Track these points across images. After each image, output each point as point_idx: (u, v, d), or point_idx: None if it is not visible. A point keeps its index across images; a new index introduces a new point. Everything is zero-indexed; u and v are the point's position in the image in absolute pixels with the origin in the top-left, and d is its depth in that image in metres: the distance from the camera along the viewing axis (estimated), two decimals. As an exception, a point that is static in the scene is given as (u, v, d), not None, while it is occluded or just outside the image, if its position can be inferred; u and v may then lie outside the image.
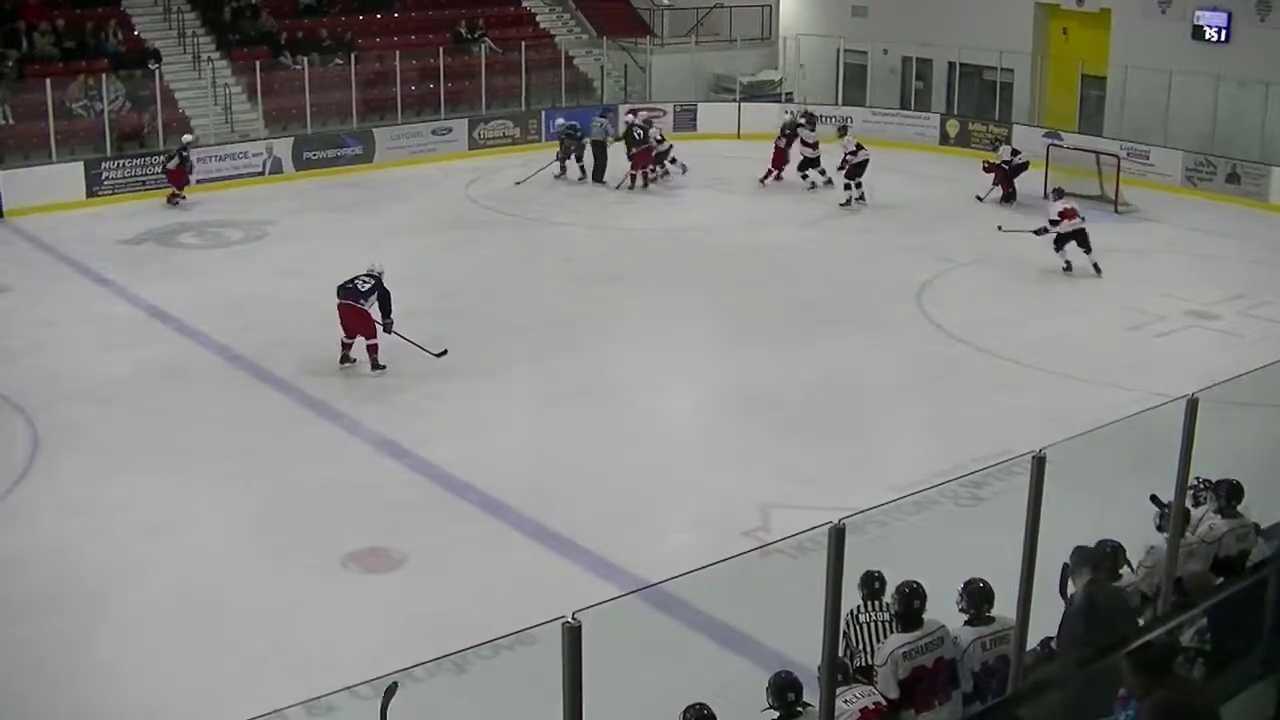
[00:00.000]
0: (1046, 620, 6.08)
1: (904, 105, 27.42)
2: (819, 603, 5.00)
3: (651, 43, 29.21)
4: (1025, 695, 5.87)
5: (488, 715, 7.82)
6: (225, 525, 10.78)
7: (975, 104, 26.42)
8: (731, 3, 29.71)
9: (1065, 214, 17.50)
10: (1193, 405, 6.03)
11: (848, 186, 21.42)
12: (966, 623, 6.45)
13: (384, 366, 13.93)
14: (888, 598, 6.73)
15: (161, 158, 21.62)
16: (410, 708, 7.13)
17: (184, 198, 21.23)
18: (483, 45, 27.11)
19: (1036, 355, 14.48)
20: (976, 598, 6.44)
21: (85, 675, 8.70)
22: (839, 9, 28.82)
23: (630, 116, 23.56)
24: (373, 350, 13.91)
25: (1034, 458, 5.57)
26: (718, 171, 23.07)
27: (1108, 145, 22.51)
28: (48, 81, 21.55)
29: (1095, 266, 17.50)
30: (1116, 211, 21.06)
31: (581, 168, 23.02)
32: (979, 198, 21.62)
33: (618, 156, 22.77)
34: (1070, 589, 6.53)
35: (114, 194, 21.41)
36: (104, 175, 21.56)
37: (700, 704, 5.95)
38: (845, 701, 6.06)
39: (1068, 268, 17.58)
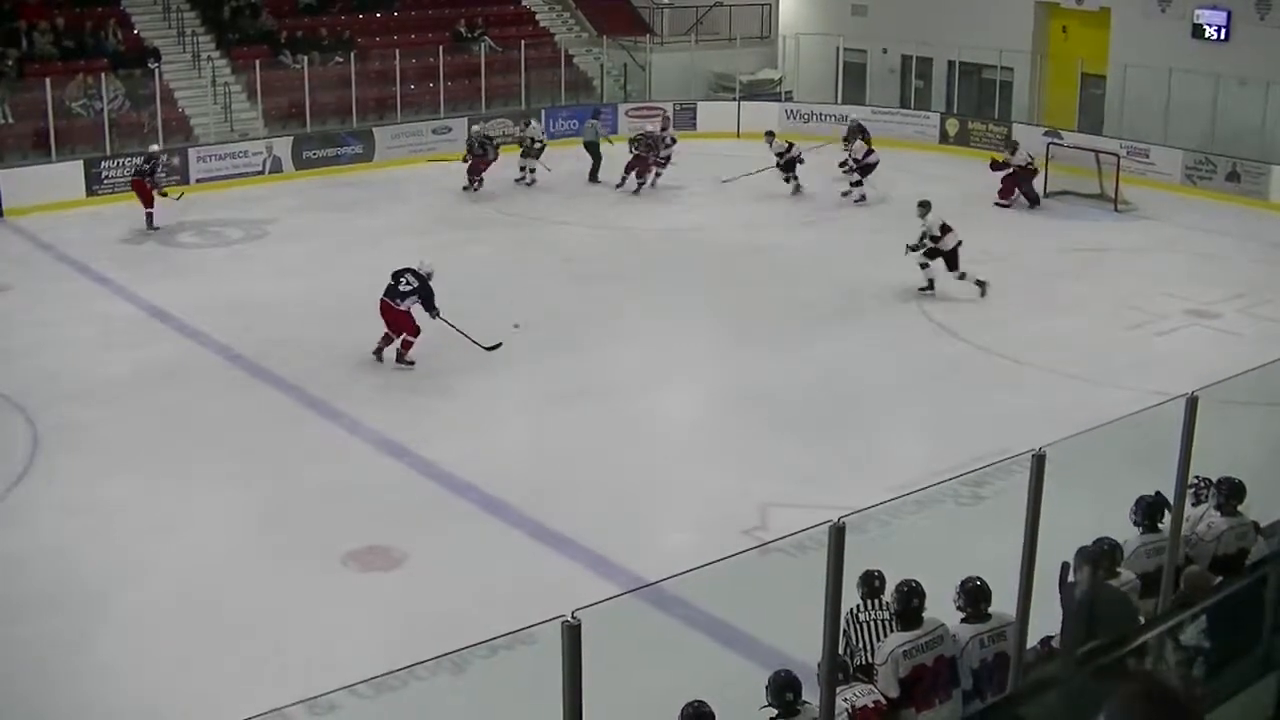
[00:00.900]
0: (1046, 619, 6.08)
1: (904, 104, 27.38)
2: (819, 601, 5.01)
3: (651, 41, 29.20)
4: (1025, 693, 5.88)
5: (488, 715, 7.83)
6: (225, 525, 10.78)
7: (975, 103, 26.40)
8: (731, 1, 29.68)
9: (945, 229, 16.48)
10: (1192, 404, 6.04)
11: (857, 183, 21.57)
12: (964, 620, 6.45)
13: (412, 363, 13.97)
14: (887, 596, 6.74)
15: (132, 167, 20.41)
16: (410, 708, 7.18)
17: (152, 212, 19.48)
18: (482, 44, 27.10)
19: (1036, 354, 14.48)
20: (973, 596, 6.44)
21: (85, 675, 8.71)
22: (838, 8, 28.78)
23: (651, 127, 22.82)
24: (405, 346, 13.97)
25: (1034, 456, 5.58)
26: (718, 171, 23.03)
27: (1108, 144, 22.49)
28: (47, 81, 21.58)
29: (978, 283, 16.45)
30: (1116, 210, 21.09)
31: (521, 168, 22.71)
32: (1003, 204, 21.34)
33: (618, 157, 22.75)
34: (1071, 583, 6.52)
35: (114, 193, 21.32)
36: (104, 174, 21.54)
37: (699, 701, 5.96)
38: (845, 700, 6.07)
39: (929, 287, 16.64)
